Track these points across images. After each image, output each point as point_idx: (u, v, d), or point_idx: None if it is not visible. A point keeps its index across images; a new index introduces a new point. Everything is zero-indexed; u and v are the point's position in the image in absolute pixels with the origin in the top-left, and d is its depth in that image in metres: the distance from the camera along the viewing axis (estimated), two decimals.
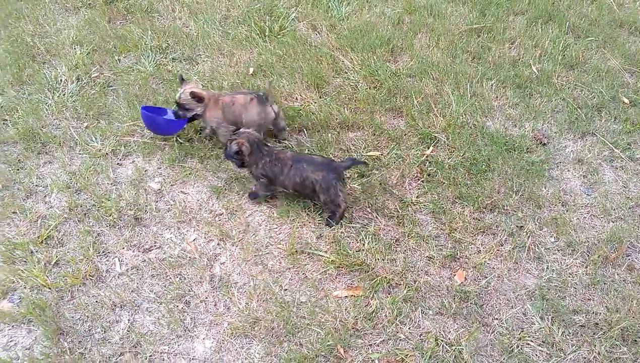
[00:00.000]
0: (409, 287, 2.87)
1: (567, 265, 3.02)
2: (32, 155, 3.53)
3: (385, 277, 2.90)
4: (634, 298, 2.82)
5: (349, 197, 3.30)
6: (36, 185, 3.35)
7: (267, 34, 4.61)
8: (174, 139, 3.63)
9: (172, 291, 2.83)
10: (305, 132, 3.73)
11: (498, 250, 3.09)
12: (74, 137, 3.64)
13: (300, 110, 3.87)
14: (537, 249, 3.09)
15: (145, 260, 2.97)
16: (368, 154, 3.58)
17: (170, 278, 2.90)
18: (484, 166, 3.50)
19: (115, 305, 2.78)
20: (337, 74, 4.26)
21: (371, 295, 2.83)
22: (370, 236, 3.10)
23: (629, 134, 3.83)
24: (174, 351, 2.61)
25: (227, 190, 3.36)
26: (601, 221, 3.26)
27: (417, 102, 3.96)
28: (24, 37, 4.55)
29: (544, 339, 2.69)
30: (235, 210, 3.25)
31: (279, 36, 4.62)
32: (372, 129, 3.77)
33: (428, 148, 3.64)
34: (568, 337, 2.69)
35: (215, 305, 2.80)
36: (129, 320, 2.73)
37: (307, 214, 3.23)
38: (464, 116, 3.88)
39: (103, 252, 3.01)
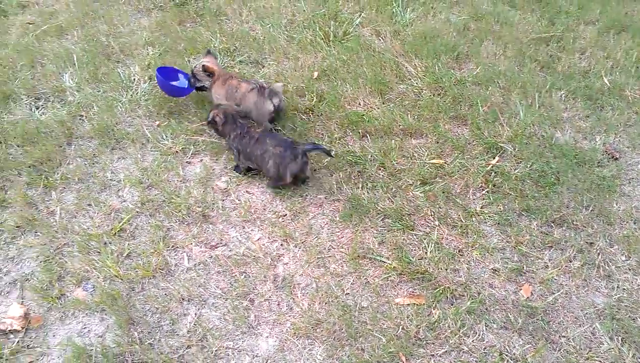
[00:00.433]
0: (472, 298, 2.83)
1: (639, 285, 2.91)
2: (107, 151, 3.70)
3: (449, 287, 2.87)
4: None
5: (411, 204, 3.29)
6: (110, 180, 3.51)
7: (331, 38, 4.66)
8: None
9: (237, 288, 2.90)
10: (369, 137, 3.74)
11: (566, 266, 3.00)
12: (146, 134, 3.79)
13: (363, 115, 3.88)
14: (607, 267, 2.99)
15: (212, 257, 3.06)
16: (431, 161, 3.56)
17: (235, 275, 2.97)
18: (552, 179, 3.41)
19: (183, 299, 2.87)
20: (401, 81, 4.25)
21: (434, 305, 2.81)
22: (433, 244, 3.08)
23: None
24: (238, 347, 2.68)
25: (291, 192, 3.41)
26: None
27: (483, 110, 3.90)
28: (99, 37, 4.76)
29: (613, 360, 2.60)
30: (299, 212, 3.30)
31: (343, 41, 4.65)
32: (435, 137, 3.74)
33: (493, 158, 3.58)
34: (639, 360, 2.59)
35: (278, 304, 2.85)
36: (195, 314, 2.81)
37: (370, 219, 3.24)
38: (532, 126, 3.79)
39: (172, 246, 3.12)
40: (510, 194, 3.35)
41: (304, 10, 5.03)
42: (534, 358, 2.60)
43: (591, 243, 3.10)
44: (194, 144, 3.72)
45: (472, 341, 2.68)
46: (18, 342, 2.72)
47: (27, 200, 3.36)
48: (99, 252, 3.08)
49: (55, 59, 4.48)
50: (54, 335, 2.75)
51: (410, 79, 4.24)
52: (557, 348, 2.66)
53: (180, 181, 3.48)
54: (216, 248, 3.12)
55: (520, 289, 2.90)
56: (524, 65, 4.37)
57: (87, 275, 2.99)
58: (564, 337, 2.70)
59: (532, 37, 4.67)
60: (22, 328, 2.77)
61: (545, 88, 4.10)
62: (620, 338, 2.68)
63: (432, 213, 3.26)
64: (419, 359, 2.61)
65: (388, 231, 3.18)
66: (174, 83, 3.99)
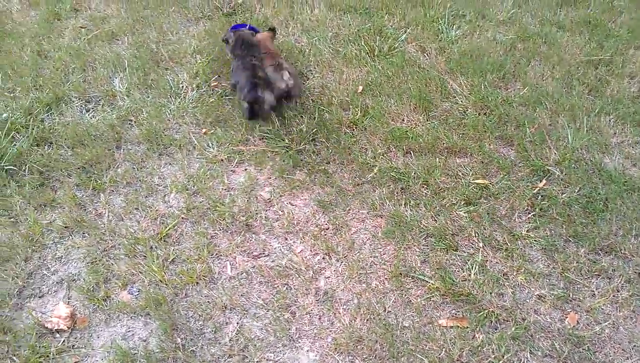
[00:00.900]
0: (517, 324, 2.78)
1: None
2: (154, 156, 3.77)
3: (493, 312, 2.83)
4: None
5: (455, 223, 3.26)
6: (157, 185, 3.57)
7: (376, 53, 4.67)
8: (284, 150, 3.75)
9: (279, 299, 2.92)
10: (412, 154, 3.73)
11: (614, 295, 2.93)
12: (192, 141, 3.85)
13: (407, 131, 3.87)
14: None
15: (254, 267, 3.08)
16: (476, 181, 3.53)
17: (277, 286, 2.98)
18: (601, 205, 3.34)
19: (225, 307, 2.89)
20: (445, 98, 4.23)
21: (477, 328, 2.77)
22: (477, 266, 3.04)
23: None
24: (279, 359, 2.68)
25: (334, 205, 3.42)
26: None
27: (530, 132, 3.86)
28: (149, 44, 4.88)
29: None
30: (341, 226, 3.30)
31: (387, 56, 4.66)
32: (480, 156, 3.71)
33: (540, 181, 3.52)
34: None
35: (319, 318, 2.86)
36: (237, 323, 2.83)
37: (412, 237, 3.22)
38: (580, 151, 3.73)
39: (216, 254, 3.15)
40: (557, 219, 3.29)
41: (350, 25, 5.06)
42: None
43: None
44: (239, 153, 3.76)
45: None
46: (64, 341, 2.77)
47: (76, 201, 3.45)
48: (145, 256, 3.14)
49: (106, 63, 4.61)
50: (98, 337, 2.80)
51: (455, 97, 4.22)
52: None
53: (225, 189, 3.52)
54: (259, 258, 3.14)
55: (567, 317, 2.84)
56: (572, 87, 4.30)
57: (132, 279, 3.05)
58: None
59: (581, 60, 4.60)
60: (68, 328, 2.82)
61: (594, 112, 4.03)
62: None
63: (477, 235, 3.22)
64: None
65: (431, 250, 3.15)
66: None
